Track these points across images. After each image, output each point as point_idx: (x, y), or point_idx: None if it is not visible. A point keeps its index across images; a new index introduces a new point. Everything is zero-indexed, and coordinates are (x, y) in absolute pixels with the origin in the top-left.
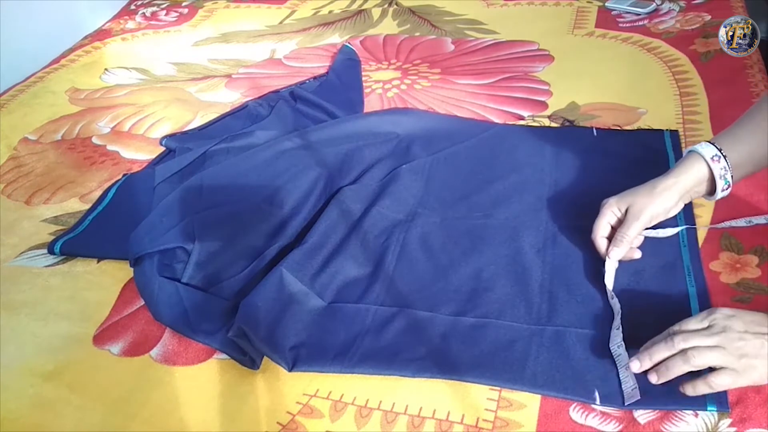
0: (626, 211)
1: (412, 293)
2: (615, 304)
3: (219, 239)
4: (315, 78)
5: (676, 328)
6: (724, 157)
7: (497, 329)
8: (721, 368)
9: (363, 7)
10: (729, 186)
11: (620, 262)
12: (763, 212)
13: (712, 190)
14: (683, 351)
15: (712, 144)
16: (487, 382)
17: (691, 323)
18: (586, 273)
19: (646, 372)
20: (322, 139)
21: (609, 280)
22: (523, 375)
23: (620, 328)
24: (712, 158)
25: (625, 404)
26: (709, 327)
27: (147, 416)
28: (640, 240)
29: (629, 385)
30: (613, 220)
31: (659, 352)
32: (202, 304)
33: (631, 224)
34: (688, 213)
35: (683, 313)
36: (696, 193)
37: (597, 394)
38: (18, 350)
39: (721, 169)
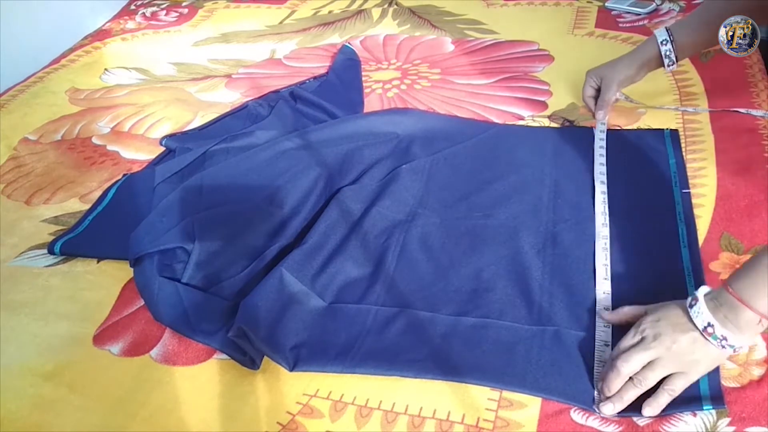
0: (600, 81)
1: (412, 293)
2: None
3: (219, 239)
4: (315, 78)
5: (615, 352)
6: (672, 41)
7: (498, 330)
8: (671, 374)
9: (363, 7)
10: (674, 63)
11: (619, 256)
12: (762, 217)
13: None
14: (631, 378)
15: (666, 29)
16: (489, 385)
17: (626, 341)
18: (586, 274)
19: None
20: (322, 139)
21: (599, 146)
22: (525, 379)
23: (610, 345)
24: (661, 42)
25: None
26: (642, 339)
27: (147, 416)
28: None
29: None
30: (594, 85)
31: (612, 383)
32: (202, 304)
33: (605, 92)
34: (687, 212)
35: None
36: (652, 67)
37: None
38: (18, 350)
39: (666, 50)
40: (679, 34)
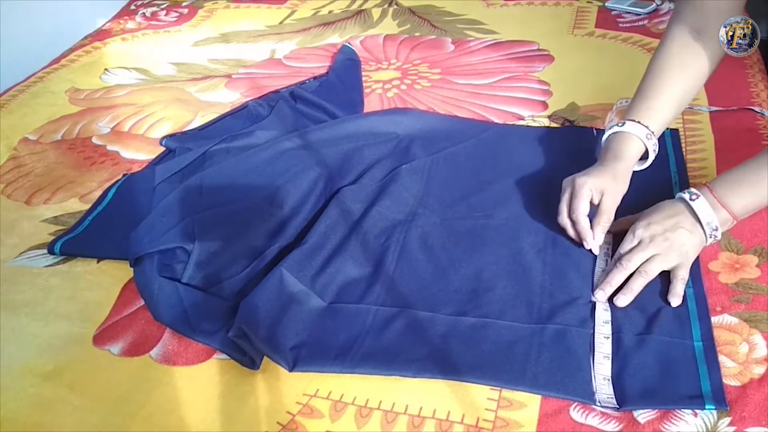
0: (600, 197)
1: (412, 293)
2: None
3: (219, 239)
4: (315, 78)
5: (616, 256)
6: (652, 133)
7: (498, 329)
8: (673, 266)
9: (363, 7)
10: (655, 152)
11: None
12: (762, 217)
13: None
14: (637, 270)
15: (641, 124)
16: (488, 383)
17: (625, 245)
18: (586, 273)
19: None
20: (322, 139)
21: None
22: (524, 376)
23: (610, 337)
24: (646, 136)
25: (602, 406)
26: (640, 243)
27: (147, 416)
28: None
29: (604, 393)
30: (594, 201)
31: (616, 277)
32: (202, 304)
33: (612, 212)
34: None
35: (682, 313)
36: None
37: (597, 395)
38: (18, 350)
39: (654, 144)
40: (653, 124)
